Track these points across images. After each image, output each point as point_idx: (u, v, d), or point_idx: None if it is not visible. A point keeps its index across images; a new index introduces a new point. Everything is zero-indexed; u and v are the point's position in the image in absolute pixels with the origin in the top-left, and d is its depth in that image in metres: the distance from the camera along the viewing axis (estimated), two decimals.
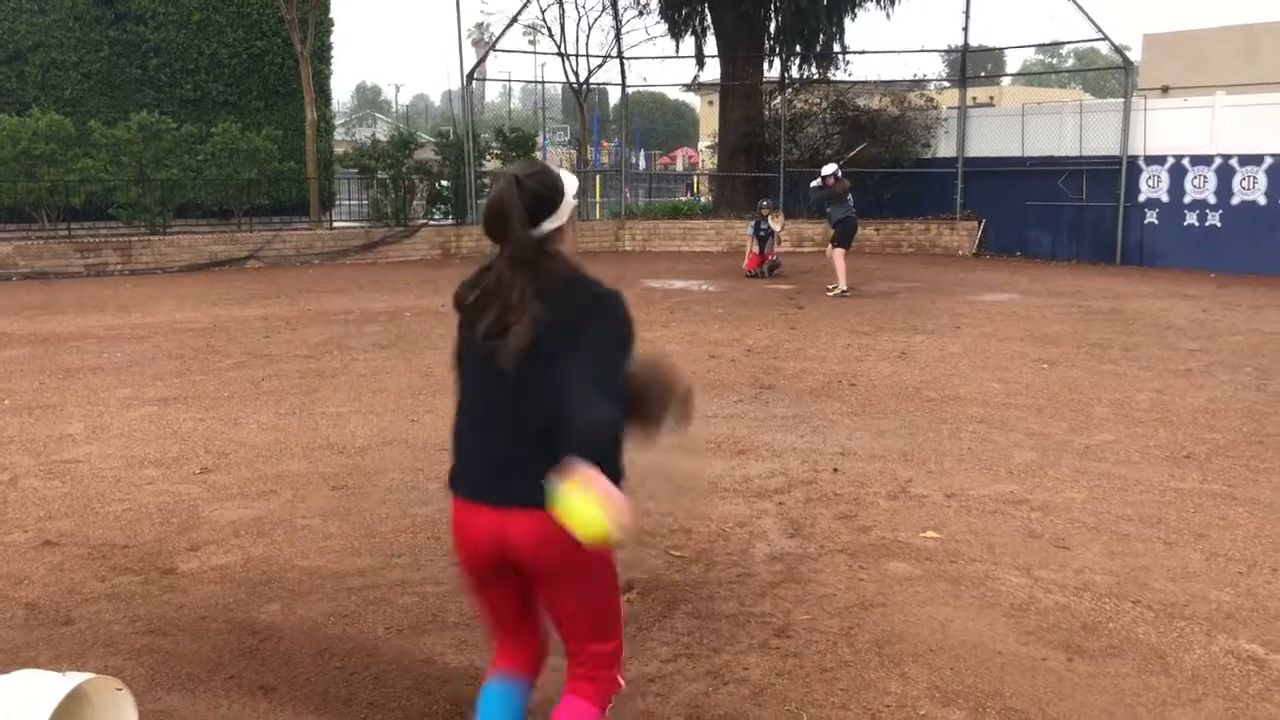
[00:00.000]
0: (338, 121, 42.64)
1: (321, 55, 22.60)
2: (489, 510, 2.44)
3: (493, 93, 79.62)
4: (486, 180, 21.11)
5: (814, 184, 14.71)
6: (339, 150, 25.35)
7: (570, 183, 2.55)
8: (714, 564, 4.52)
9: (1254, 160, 16.29)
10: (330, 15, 22.94)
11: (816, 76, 23.09)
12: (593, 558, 2.39)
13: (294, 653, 3.70)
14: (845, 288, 13.60)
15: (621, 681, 2.66)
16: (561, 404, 2.30)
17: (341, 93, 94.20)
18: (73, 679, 2.80)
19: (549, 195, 2.47)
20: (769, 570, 4.45)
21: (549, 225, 2.47)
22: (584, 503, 2.13)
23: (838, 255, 13.74)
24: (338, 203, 23.10)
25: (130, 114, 18.55)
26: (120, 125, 18.09)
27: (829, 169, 14.36)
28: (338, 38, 42.83)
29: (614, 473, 2.36)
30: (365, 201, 21.26)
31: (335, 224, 21.01)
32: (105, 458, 6.18)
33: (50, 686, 2.74)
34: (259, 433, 6.78)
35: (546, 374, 2.37)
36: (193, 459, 6.16)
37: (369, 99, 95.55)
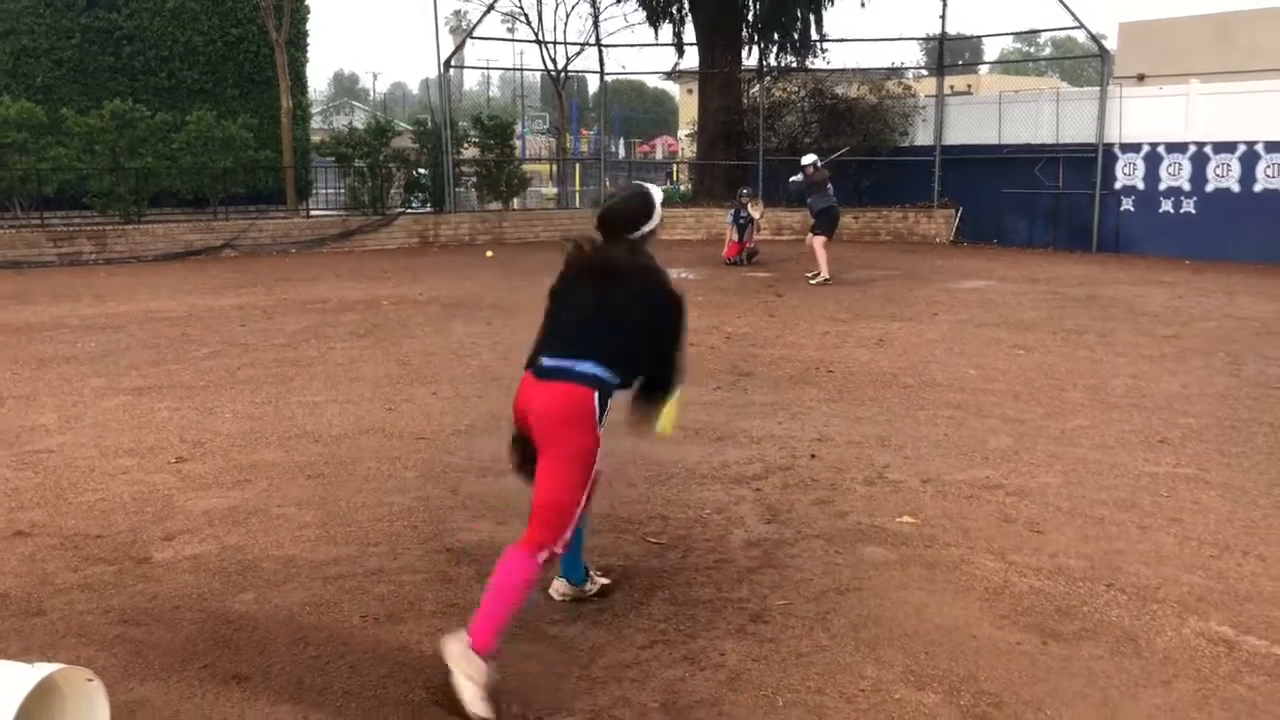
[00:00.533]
0: (315, 110, 42.40)
1: (297, 43, 22.43)
2: (534, 381, 3.49)
3: (471, 80, 79.32)
4: (464, 169, 21.06)
5: (793, 179, 14.72)
6: (316, 138, 25.21)
7: (659, 198, 3.70)
8: (691, 550, 4.52)
9: (1228, 148, 16.42)
10: (306, 2, 22.78)
11: (795, 65, 23.10)
12: (578, 441, 3.38)
13: (269, 642, 3.68)
14: (827, 275, 13.62)
15: (559, 546, 3.40)
16: (655, 358, 3.59)
17: (319, 81, 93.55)
18: (42, 670, 2.78)
19: (645, 212, 3.64)
20: (746, 556, 4.45)
21: (644, 229, 3.63)
22: (671, 410, 3.70)
23: (818, 243, 13.77)
24: (314, 191, 22.95)
25: (103, 102, 18.35)
26: (93, 113, 17.90)
27: (808, 159, 14.38)
28: (314, 25, 42.51)
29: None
30: (342, 190, 21.13)
31: (312, 212, 20.89)
32: (79, 447, 6.13)
33: (19, 678, 2.72)
34: (234, 422, 6.73)
35: (621, 326, 3.46)
36: (167, 448, 6.12)
37: (346, 87, 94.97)
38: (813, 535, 4.70)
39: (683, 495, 5.22)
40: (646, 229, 3.62)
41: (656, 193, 3.73)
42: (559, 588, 3.98)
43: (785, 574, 4.25)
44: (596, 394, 3.39)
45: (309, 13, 23.08)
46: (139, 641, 3.67)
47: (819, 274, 13.68)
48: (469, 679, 3.10)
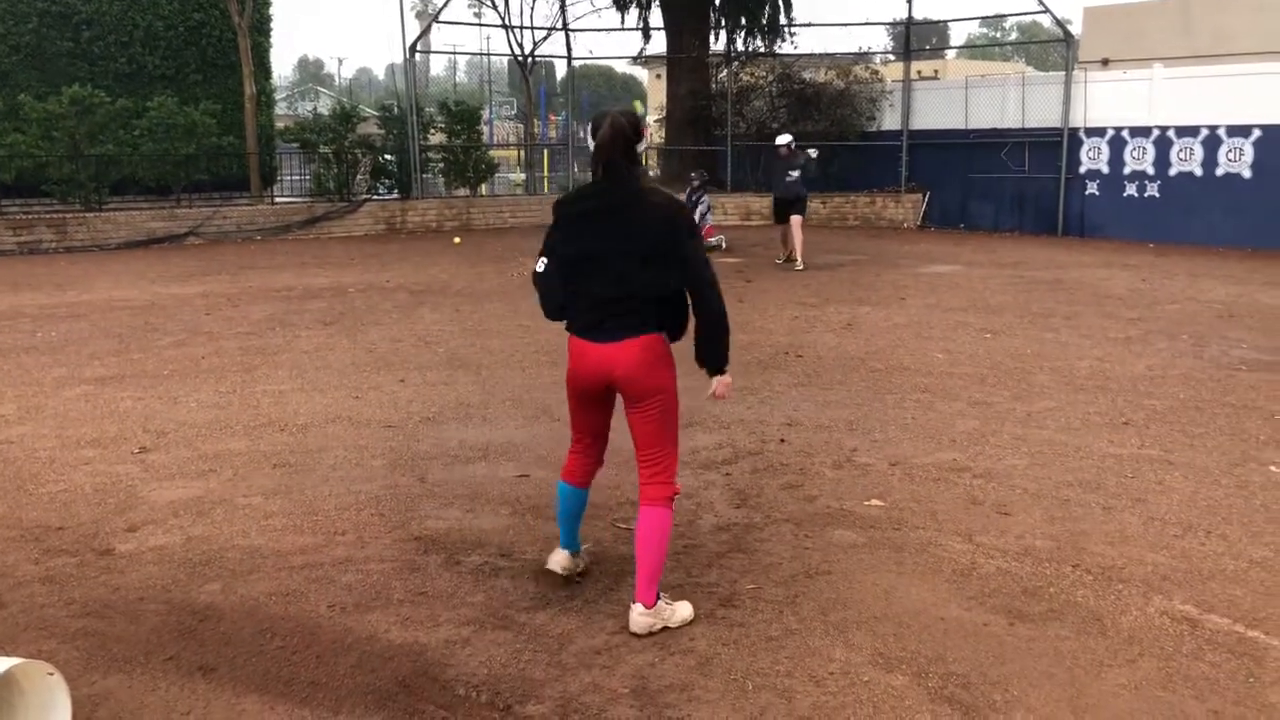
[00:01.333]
0: (279, 95, 41.92)
1: (261, 28, 22.15)
2: (596, 346, 3.58)
3: (438, 66, 78.75)
4: (431, 155, 20.89)
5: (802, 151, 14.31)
6: (281, 124, 24.93)
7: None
8: None
9: (1190, 132, 16.56)
10: None
11: (762, 50, 23.07)
12: (671, 384, 3.63)
13: (234, 633, 3.64)
14: (800, 261, 13.66)
15: (679, 487, 3.75)
16: (691, 281, 3.58)
17: (284, 66, 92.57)
18: (0, 664, 2.73)
19: (638, 128, 3.60)
20: (715, 541, 4.46)
21: (639, 148, 3.62)
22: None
23: (797, 224, 13.74)
24: (280, 178, 22.66)
25: (62, 88, 18.04)
26: (52, 99, 17.58)
27: (784, 139, 14.32)
28: (278, 10, 42.05)
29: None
30: (308, 176, 20.90)
31: (277, 199, 20.64)
32: (39, 438, 6.04)
33: None
34: (199, 411, 6.66)
35: (648, 260, 3.52)
36: (131, 438, 6.04)
37: (312, 73, 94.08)
38: (782, 519, 4.71)
39: None
40: (641, 147, 3.65)
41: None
42: (561, 562, 3.99)
43: (754, 558, 4.26)
44: (666, 333, 3.63)
45: None
46: (102, 634, 3.62)
47: (799, 260, 13.68)
48: (668, 621, 3.60)
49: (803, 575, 4.09)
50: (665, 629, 3.59)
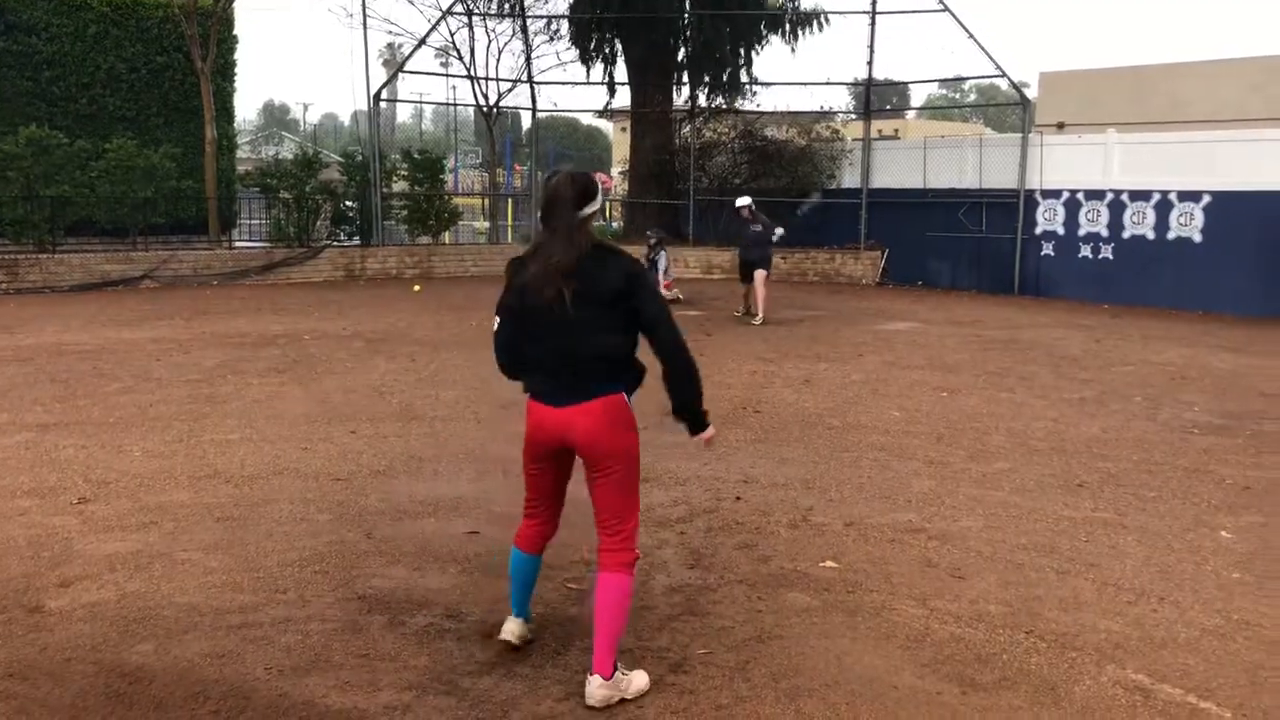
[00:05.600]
0: (243, 140, 41.80)
1: (225, 72, 22.12)
2: (555, 410, 3.49)
3: (404, 113, 78.95)
4: (394, 202, 20.85)
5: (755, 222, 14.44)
6: (243, 169, 24.79)
7: (599, 183, 3.60)
8: None
9: (1143, 196, 16.89)
10: (235, 32, 22.48)
11: (725, 106, 23.34)
12: (631, 448, 3.52)
13: (166, 697, 3.50)
14: (761, 316, 13.72)
15: (638, 552, 3.62)
16: (648, 327, 3.51)
17: (248, 110, 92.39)
18: None
19: (591, 190, 3.51)
20: (668, 602, 4.38)
21: (589, 209, 3.49)
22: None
23: (761, 279, 13.83)
24: (239, 223, 22.53)
25: (18, 127, 17.84)
26: (7, 139, 17.39)
27: (743, 201, 14.46)
28: (243, 55, 42.07)
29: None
30: (268, 221, 20.77)
31: (236, 244, 20.50)
32: None
33: None
34: (143, 461, 6.50)
35: (604, 316, 3.43)
36: (70, 488, 5.87)
37: (277, 117, 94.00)
38: (736, 581, 4.64)
39: None
40: (590, 209, 3.50)
41: (598, 176, 3.79)
42: (514, 630, 3.85)
43: (707, 621, 4.18)
44: (625, 393, 3.54)
45: (237, 42, 22.78)
46: (23, 697, 3.47)
47: (760, 316, 13.75)
48: (624, 693, 3.50)
49: (755, 640, 4.01)
50: (623, 701, 3.49)
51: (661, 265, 16.01)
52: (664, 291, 15.93)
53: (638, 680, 3.56)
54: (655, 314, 3.49)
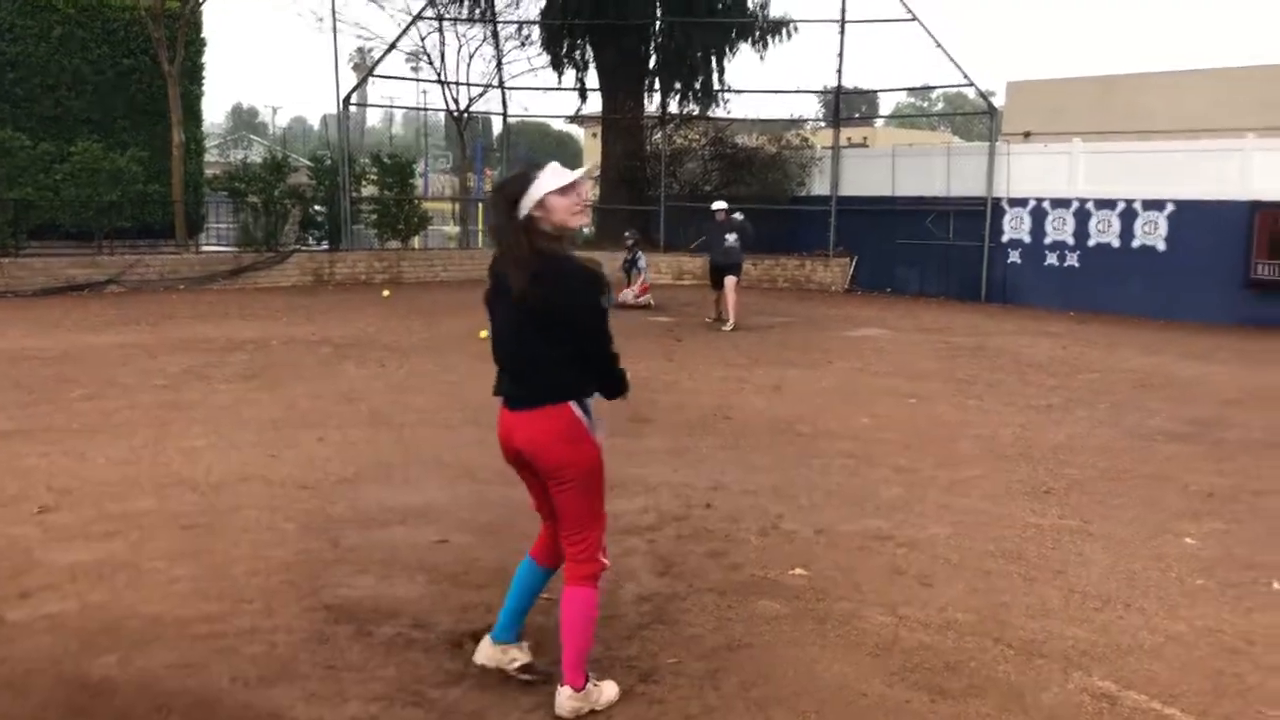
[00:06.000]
0: (211, 143, 41.45)
1: (193, 75, 21.92)
2: (508, 413, 3.45)
3: (375, 117, 78.52)
4: (363, 207, 20.74)
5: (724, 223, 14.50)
6: (211, 172, 24.58)
7: (546, 174, 3.35)
8: None
9: (1109, 204, 17.08)
10: (203, 35, 22.30)
11: (696, 113, 23.40)
12: (580, 459, 3.40)
13: (129, 709, 3.45)
14: (732, 322, 13.75)
15: (603, 561, 3.54)
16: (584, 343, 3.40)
17: (216, 113, 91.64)
18: None
19: (523, 185, 3.34)
20: (637, 611, 4.37)
21: (525, 206, 3.32)
22: None
23: (731, 284, 13.89)
24: (207, 227, 22.31)
25: None
26: None
27: (719, 205, 14.56)
28: (211, 57, 41.70)
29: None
30: (236, 225, 20.61)
31: (203, 248, 20.31)
32: None
33: None
34: (107, 468, 6.42)
35: (548, 329, 3.32)
36: (32, 497, 5.78)
37: (246, 120, 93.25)
38: (705, 589, 4.63)
39: None
40: (527, 203, 3.32)
41: (548, 169, 3.39)
42: (486, 654, 3.71)
43: (676, 630, 4.18)
44: (574, 403, 3.39)
45: (205, 45, 22.59)
46: None
47: (731, 322, 13.79)
48: (594, 704, 3.48)
49: (725, 648, 4.01)
50: (592, 712, 3.48)
51: (642, 265, 16.68)
52: (639, 295, 16.12)
53: (608, 691, 3.55)
54: (593, 338, 3.41)
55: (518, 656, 3.70)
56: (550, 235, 3.38)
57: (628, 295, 16.07)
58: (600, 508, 3.54)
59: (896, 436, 7.76)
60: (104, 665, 3.77)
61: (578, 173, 3.43)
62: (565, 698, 3.45)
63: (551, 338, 3.34)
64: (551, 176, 3.36)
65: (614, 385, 3.57)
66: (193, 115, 21.89)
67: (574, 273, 3.38)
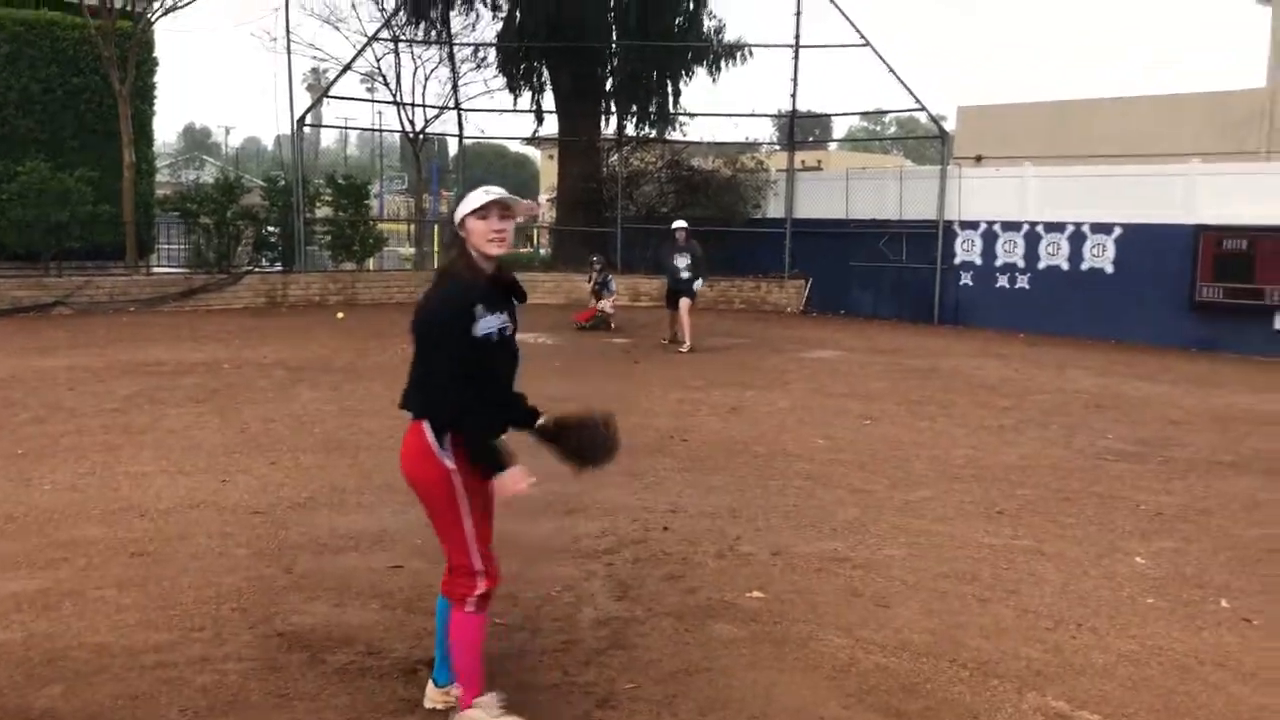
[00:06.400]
0: (163, 163, 40.97)
1: (144, 95, 21.64)
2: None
3: (329, 138, 78.03)
4: (317, 228, 20.58)
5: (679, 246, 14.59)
6: (163, 193, 24.27)
7: (470, 197, 3.33)
8: (539, 631, 4.39)
9: (1058, 228, 17.34)
10: (155, 54, 22.05)
11: (652, 136, 23.50)
12: (423, 477, 3.37)
13: None
14: (688, 344, 13.80)
15: (478, 584, 3.39)
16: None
17: (168, 133, 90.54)
18: None
19: (454, 209, 3.41)
20: (595, 636, 4.35)
21: (455, 225, 3.37)
22: None
23: (686, 307, 13.96)
24: (158, 248, 22.01)
25: None
26: None
27: (679, 224, 14.62)
28: (163, 77, 41.25)
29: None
30: (187, 247, 20.36)
31: (154, 270, 20.06)
32: None
33: None
34: (53, 494, 6.29)
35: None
36: None
37: (198, 140, 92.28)
38: (663, 613, 4.62)
39: (532, 572, 5.09)
40: (455, 222, 3.36)
41: (477, 190, 3.36)
42: (433, 696, 3.64)
43: (634, 655, 4.16)
44: (426, 422, 3.38)
45: (157, 64, 22.34)
46: None
47: (686, 343, 13.83)
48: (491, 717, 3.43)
49: (682, 673, 4.00)
50: None
51: (613, 287, 17.11)
52: (609, 309, 16.34)
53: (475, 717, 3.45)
54: (416, 346, 3.37)
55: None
56: (478, 258, 3.36)
57: (605, 306, 16.65)
58: (457, 531, 3.40)
59: (852, 457, 7.81)
60: (48, 697, 3.69)
61: (495, 193, 3.32)
62: (442, 699, 3.58)
63: (416, 354, 3.39)
64: (473, 198, 3.34)
65: (454, 426, 3.36)
66: (144, 135, 21.61)
67: (432, 293, 3.39)
